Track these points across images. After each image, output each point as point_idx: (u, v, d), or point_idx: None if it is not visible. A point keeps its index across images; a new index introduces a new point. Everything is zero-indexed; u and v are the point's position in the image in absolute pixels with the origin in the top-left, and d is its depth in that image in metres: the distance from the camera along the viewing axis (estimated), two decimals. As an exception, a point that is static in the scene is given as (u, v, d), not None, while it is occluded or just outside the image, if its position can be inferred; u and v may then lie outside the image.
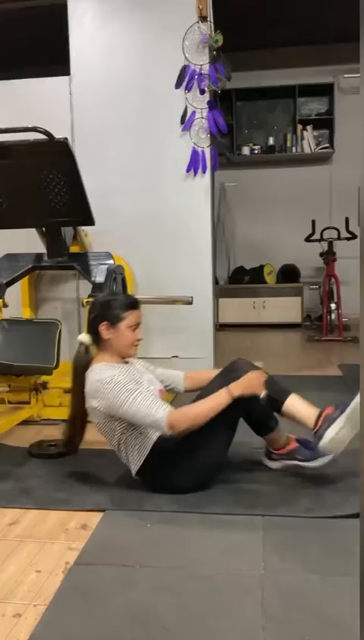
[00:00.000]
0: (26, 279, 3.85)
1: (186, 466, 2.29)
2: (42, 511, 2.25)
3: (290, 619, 1.56)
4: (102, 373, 2.30)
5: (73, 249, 3.77)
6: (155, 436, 2.28)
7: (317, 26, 5.70)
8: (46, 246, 3.66)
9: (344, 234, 5.97)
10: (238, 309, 6.56)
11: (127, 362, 2.48)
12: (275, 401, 2.38)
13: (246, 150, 6.68)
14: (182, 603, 1.63)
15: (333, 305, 5.92)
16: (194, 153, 3.90)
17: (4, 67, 4.19)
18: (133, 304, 2.45)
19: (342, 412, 2.26)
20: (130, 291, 3.62)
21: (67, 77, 4.01)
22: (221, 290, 6.62)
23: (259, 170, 6.80)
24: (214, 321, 4.28)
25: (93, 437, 2.46)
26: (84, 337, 2.45)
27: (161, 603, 1.64)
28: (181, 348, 4.07)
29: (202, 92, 3.85)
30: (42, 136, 3.02)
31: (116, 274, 3.43)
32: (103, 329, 2.39)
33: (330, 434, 2.24)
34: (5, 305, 3.65)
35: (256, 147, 6.69)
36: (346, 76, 6.42)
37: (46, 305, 4.13)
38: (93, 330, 2.42)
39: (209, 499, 2.27)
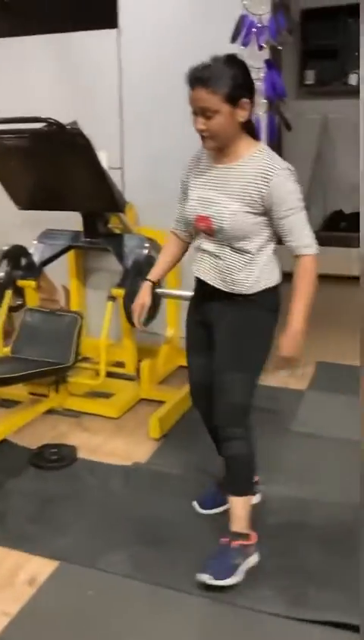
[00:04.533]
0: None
1: None
2: (3, 548, 2.25)
3: None
4: None
5: (115, 221, 3.58)
6: None
7: None
8: (83, 226, 3.51)
9: None
10: (330, 260, 6.02)
11: None
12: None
13: (353, 79, 5.85)
14: None
15: None
16: (248, 120, 3.42)
17: (51, 21, 3.86)
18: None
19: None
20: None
21: (114, 30, 3.62)
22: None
23: (369, 102, 5.94)
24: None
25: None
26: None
27: None
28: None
29: (260, 47, 3.31)
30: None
31: (143, 266, 3.21)
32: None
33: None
34: (39, 287, 3.60)
35: (366, 75, 5.82)
36: None
37: (94, 276, 4.01)
38: None
39: (171, 562, 2.14)
